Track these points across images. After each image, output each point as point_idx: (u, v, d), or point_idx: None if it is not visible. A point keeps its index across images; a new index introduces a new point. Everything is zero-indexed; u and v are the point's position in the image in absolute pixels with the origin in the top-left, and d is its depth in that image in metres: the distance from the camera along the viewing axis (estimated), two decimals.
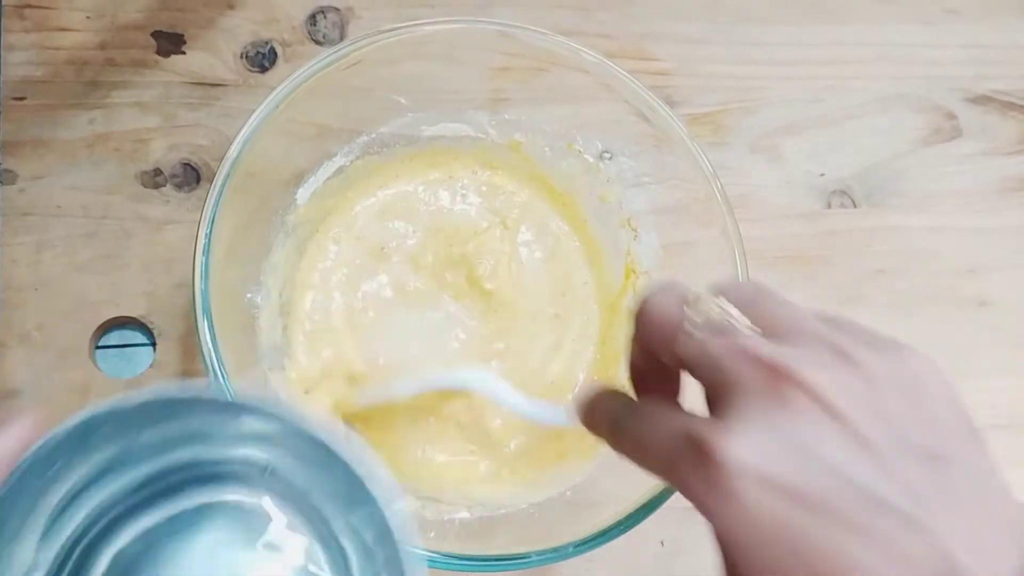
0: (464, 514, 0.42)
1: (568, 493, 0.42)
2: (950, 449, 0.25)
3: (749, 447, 0.24)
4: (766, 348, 0.26)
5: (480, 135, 0.48)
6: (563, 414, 0.31)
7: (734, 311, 0.28)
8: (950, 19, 0.59)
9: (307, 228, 0.46)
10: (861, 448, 0.24)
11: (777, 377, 0.25)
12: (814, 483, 0.24)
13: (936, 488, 0.24)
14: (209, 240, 0.38)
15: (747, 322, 0.28)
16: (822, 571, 0.23)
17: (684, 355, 0.28)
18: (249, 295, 0.43)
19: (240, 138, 0.39)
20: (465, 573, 0.37)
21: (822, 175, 0.55)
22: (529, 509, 0.42)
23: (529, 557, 0.37)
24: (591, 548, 0.37)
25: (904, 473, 0.24)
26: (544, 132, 0.47)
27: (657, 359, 0.29)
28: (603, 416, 0.31)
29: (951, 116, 0.57)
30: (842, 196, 0.55)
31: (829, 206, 0.55)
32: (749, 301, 0.29)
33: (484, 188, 0.49)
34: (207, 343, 0.37)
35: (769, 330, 0.28)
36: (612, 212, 0.47)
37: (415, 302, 0.47)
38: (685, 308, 0.28)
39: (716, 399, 0.27)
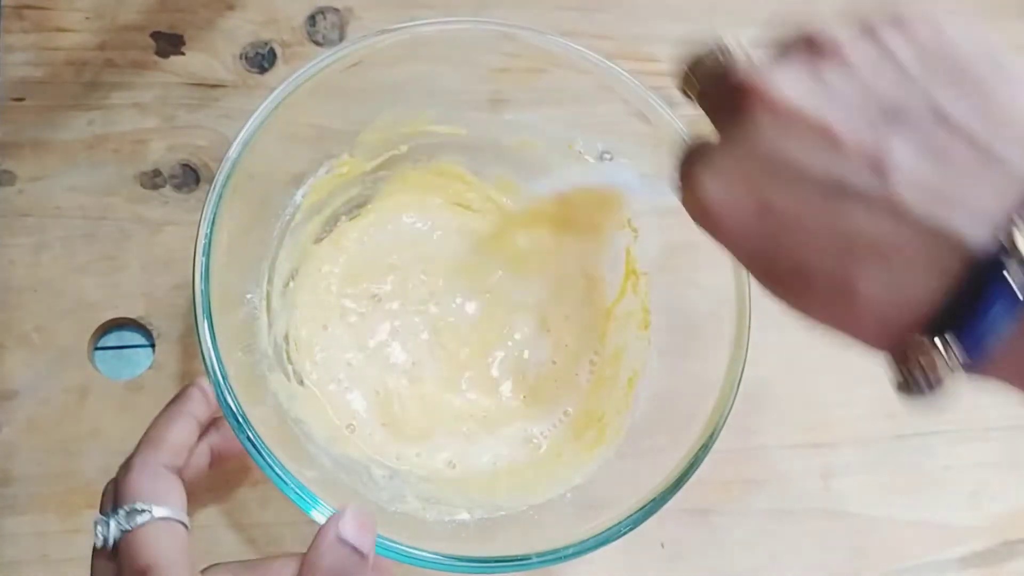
0: (464, 516, 0.42)
1: (568, 495, 0.42)
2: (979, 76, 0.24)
3: (715, 176, 0.26)
4: (743, 72, 0.26)
5: (480, 136, 0.47)
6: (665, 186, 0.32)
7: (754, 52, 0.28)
8: None
9: (307, 228, 0.46)
10: (830, 142, 0.24)
11: (742, 95, 0.26)
12: (780, 194, 0.25)
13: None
14: (209, 240, 0.37)
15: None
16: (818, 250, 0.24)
17: (701, 105, 0.29)
18: (249, 295, 0.43)
19: (240, 139, 0.39)
20: (465, 575, 0.36)
21: None
22: (529, 511, 0.42)
23: (529, 559, 0.37)
24: (591, 550, 0.37)
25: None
26: (544, 133, 0.47)
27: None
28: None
29: None
30: None
31: None
32: (788, 43, 0.29)
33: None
34: (207, 344, 0.36)
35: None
36: None
37: (415, 301, 0.47)
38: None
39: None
